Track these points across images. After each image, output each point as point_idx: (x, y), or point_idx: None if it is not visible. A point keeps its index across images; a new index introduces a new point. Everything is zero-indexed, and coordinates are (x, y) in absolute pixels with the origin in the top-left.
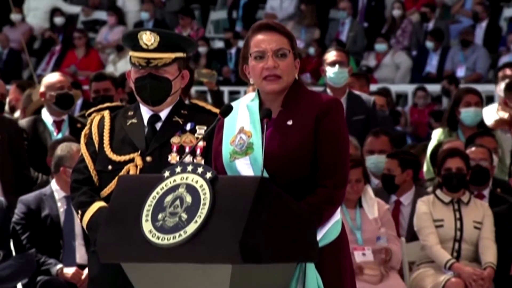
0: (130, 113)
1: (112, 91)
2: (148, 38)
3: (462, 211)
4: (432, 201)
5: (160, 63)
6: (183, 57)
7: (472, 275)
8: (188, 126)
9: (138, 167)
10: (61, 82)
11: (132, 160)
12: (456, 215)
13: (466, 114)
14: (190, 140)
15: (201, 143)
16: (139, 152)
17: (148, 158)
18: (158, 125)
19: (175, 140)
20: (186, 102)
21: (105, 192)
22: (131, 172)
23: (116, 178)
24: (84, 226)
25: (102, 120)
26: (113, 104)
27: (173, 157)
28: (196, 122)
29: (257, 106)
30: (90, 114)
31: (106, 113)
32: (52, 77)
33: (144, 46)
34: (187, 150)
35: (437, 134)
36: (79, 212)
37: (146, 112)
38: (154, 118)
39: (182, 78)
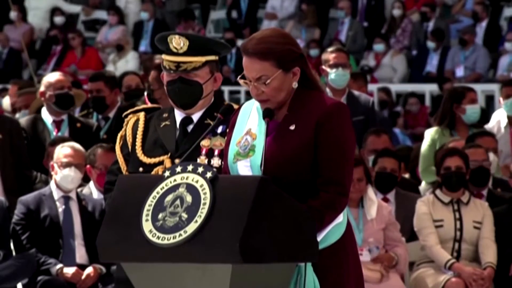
0: (165, 115)
1: (105, 92)
2: (177, 42)
3: (462, 211)
4: (432, 201)
5: (189, 67)
6: (215, 60)
7: (472, 275)
8: (220, 129)
9: None
10: (61, 81)
11: (161, 163)
12: (456, 215)
13: (473, 111)
14: (220, 143)
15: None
16: (169, 154)
17: (177, 161)
18: (190, 128)
19: (205, 143)
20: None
21: None
22: None
23: None
24: None
25: (137, 122)
26: (150, 106)
27: (201, 160)
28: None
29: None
30: (126, 116)
31: (142, 115)
32: (52, 77)
33: (174, 50)
34: (216, 152)
35: (430, 134)
36: None
37: (179, 115)
38: (186, 120)
39: (214, 81)
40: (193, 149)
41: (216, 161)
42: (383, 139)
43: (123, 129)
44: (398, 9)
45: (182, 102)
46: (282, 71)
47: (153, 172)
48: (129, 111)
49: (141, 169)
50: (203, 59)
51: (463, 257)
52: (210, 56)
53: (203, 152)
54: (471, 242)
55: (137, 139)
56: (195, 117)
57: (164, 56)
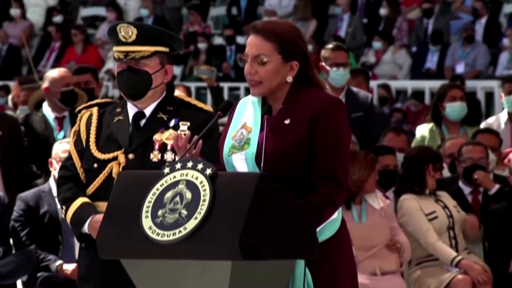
0: (118, 110)
1: (93, 84)
2: (126, 31)
3: (442, 199)
4: (417, 196)
5: (138, 55)
6: (166, 51)
7: (480, 274)
8: (172, 123)
9: (121, 165)
10: (66, 78)
11: (115, 158)
12: (441, 203)
13: (452, 108)
14: (173, 137)
15: None
16: (122, 149)
17: (131, 156)
18: (143, 122)
19: (157, 137)
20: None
21: (90, 190)
22: (114, 170)
23: (101, 175)
24: (68, 222)
25: (90, 117)
26: (103, 100)
27: (155, 155)
28: (181, 118)
29: (259, 102)
30: (79, 111)
31: (95, 110)
32: (57, 73)
33: (123, 40)
34: (169, 147)
35: (420, 130)
36: (64, 207)
37: (131, 109)
38: (139, 115)
39: (165, 73)
40: (146, 143)
41: (169, 156)
42: (402, 138)
43: (76, 125)
44: (384, 8)
45: (131, 92)
46: (281, 57)
47: (107, 168)
48: (82, 106)
49: (95, 165)
50: (152, 48)
51: (460, 245)
52: (160, 47)
53: (156, 146)
54: (458, 227)
55: (91, 135)
56: (147, 111)
57: (114, 48)
